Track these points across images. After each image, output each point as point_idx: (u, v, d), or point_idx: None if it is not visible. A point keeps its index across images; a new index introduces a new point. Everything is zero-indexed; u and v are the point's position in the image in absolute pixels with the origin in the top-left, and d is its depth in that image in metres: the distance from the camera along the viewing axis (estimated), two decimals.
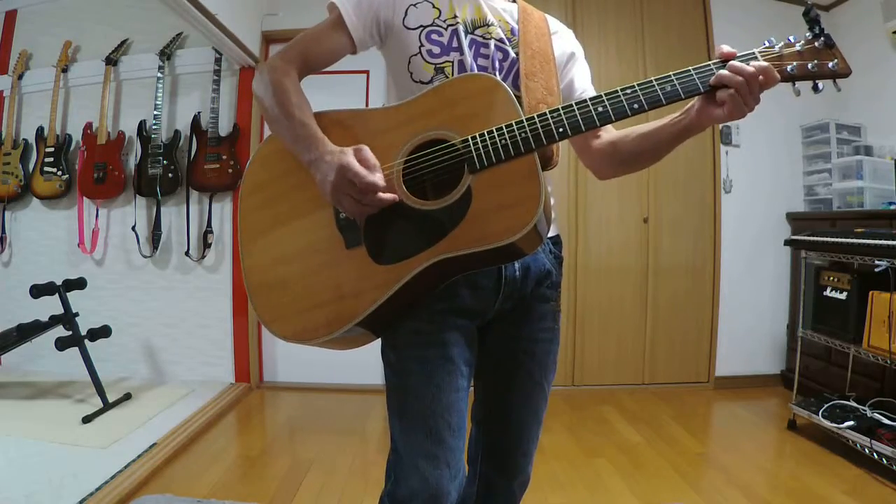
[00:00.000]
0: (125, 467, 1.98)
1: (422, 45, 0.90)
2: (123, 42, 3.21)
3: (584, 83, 1.03)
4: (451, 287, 0.87)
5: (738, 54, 0.78)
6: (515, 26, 0.96)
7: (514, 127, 0.80)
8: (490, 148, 0.80)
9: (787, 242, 2.75)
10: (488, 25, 0.93)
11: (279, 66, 0.90)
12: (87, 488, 1.80)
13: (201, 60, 3.14)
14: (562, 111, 0.80)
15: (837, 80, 0.79)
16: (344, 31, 0.91)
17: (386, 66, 0.98)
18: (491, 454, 1.02)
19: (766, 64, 0.75)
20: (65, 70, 3.23)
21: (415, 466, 0.84)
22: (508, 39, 0.94)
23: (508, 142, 0.79)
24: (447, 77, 0.90)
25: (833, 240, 2.36)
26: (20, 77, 3.27)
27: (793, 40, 0.79)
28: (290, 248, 0.89)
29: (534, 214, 0.76)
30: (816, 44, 0.78)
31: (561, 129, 0.80)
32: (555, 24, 1.03)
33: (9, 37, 3.37)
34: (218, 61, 3.09)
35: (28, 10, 3.37)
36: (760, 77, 0.74)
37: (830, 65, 0.77)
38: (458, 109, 0.84)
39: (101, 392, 2.56)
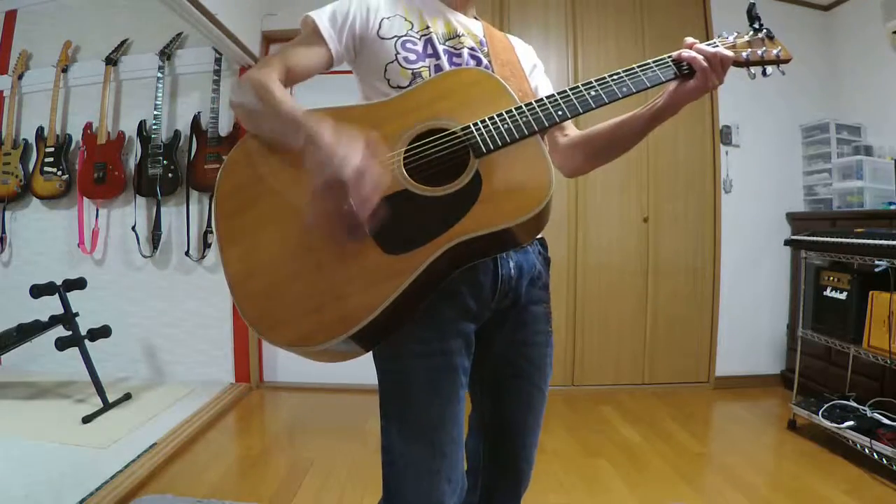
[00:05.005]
0: (125, 467, 1.98)
1: (398, 53, 0.91)
2: (123, 42, 3.21)
3: (548, 92, 1.06)
4: (451, 285, 0.84)
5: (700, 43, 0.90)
6: (483, 39, 1.00)
7: (515, 112, 0.83)
8: (494, 132, 0.82)
9: (787, 242, 2.75)
10: (459, 37, 0.96)
11: (261, 70, 0.87)
12: (87, 488, 1.80)
13: (201, 60, 3.14)
14: (558, 96, 0.85)
15: (781, 66, 0.93)
16: (322, 44, 0.90)
17: (359, 82, 0.98)
18: (494, 463, 1.00)
19: (725, 50, 0.89)
20: (65, 70, 3.23)
21: (415, 482, 0.83)
22: (479, 49, 0.98)
23: (511, 125, 0.82)
24: (424, 80, 0.90)
25: (833, 240, 2.35)
26: (20, 77, 3.27)
27: (741, 32, 0.94)
28: (280, 250, 0.83)
29: (547, 192, 0.78)
30: (760, 35, 0.93)
31: (560, 112, 0.84)
32: (516, 41, 1.08)
33: (9, 37, 3.37)
34: (218, 61, 3.09)
35: (28, 10, 3.37)
36: (721, 56, 0.88)
37: (775, 52, 0.91)
38: (452, 100, 0.86)
39: (101, 392, 2.56)
